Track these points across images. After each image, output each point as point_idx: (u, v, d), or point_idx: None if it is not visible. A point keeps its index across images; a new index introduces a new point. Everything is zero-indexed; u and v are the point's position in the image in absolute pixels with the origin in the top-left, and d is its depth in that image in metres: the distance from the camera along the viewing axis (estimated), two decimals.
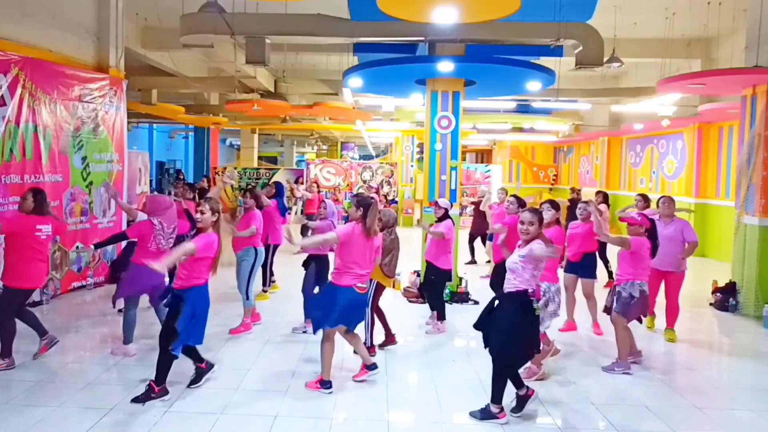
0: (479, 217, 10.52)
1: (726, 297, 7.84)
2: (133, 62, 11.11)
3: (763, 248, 7.55)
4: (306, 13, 7.43)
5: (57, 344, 5.31)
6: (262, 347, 5.71)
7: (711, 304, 7.94)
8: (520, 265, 4.15)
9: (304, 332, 6.16)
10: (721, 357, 6.29)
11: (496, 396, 4.22)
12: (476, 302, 7.80)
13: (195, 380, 4.70)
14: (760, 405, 4.71)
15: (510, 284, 4.18)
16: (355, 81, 9.17)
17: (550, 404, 4.55)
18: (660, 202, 6.59)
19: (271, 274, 8.12)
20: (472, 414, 4.26)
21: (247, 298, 6.32)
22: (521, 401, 4.32)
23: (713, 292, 8.04)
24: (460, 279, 8.16)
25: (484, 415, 4.22)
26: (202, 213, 4.46)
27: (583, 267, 6.55)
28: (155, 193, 9.98)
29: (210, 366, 4.82)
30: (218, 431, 3.98)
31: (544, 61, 8.85)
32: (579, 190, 12.74)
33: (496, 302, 4.37)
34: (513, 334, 4.10)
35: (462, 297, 7.97)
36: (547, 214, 5.36)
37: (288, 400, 4.50)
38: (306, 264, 6.40)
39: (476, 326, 4.38)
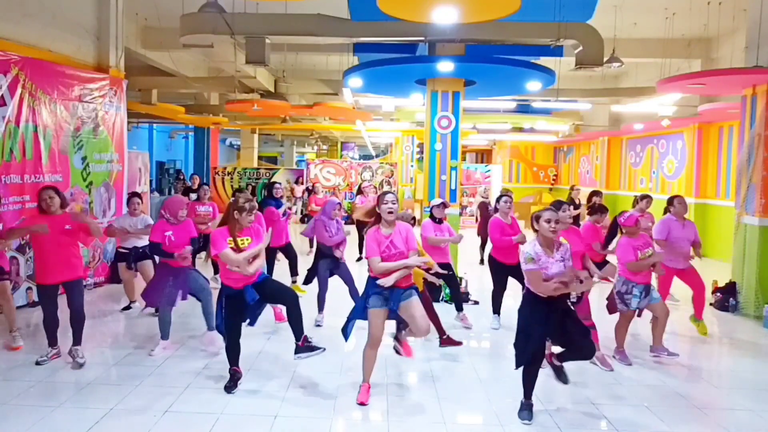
0: (484, 220, 10.47)
1: (726, 297, 7.85)
2: (133, 62, 11.11)
3: (763, 248, 7.55)
4: (306, 13, 7.43)
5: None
6: (262, 347, 5.71)
7: (711, 304, 7.93)
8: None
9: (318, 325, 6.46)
10: (721, 357, 6.29)
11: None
12: (476, 302, 7.79)
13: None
14: (760, 405, 4.71)
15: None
16: (355, 81, 9.18)
17: (550, 403, 4.55)
18: (676, 201, 6.60)
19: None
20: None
21: None
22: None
23: (713, 292, 8.03)
24: (460, 279, 8.14)
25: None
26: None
27: None
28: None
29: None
30: (218, 431, 3.99)
31: (544, 61, 8.85)
32: (577, 189, 11.76)
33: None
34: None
35: (462, 297, 7.95)
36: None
37: (288, 400, 4.50)
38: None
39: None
